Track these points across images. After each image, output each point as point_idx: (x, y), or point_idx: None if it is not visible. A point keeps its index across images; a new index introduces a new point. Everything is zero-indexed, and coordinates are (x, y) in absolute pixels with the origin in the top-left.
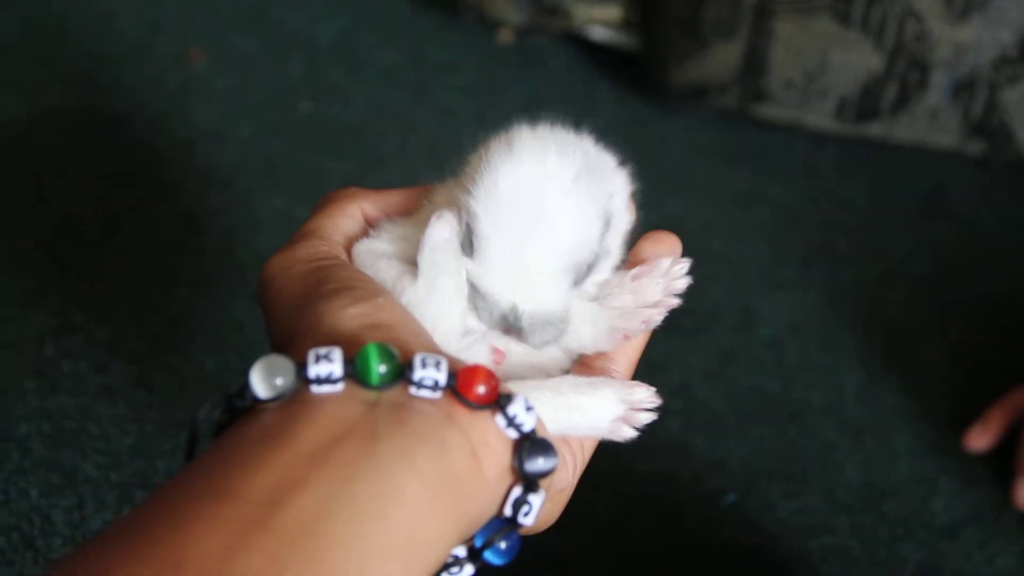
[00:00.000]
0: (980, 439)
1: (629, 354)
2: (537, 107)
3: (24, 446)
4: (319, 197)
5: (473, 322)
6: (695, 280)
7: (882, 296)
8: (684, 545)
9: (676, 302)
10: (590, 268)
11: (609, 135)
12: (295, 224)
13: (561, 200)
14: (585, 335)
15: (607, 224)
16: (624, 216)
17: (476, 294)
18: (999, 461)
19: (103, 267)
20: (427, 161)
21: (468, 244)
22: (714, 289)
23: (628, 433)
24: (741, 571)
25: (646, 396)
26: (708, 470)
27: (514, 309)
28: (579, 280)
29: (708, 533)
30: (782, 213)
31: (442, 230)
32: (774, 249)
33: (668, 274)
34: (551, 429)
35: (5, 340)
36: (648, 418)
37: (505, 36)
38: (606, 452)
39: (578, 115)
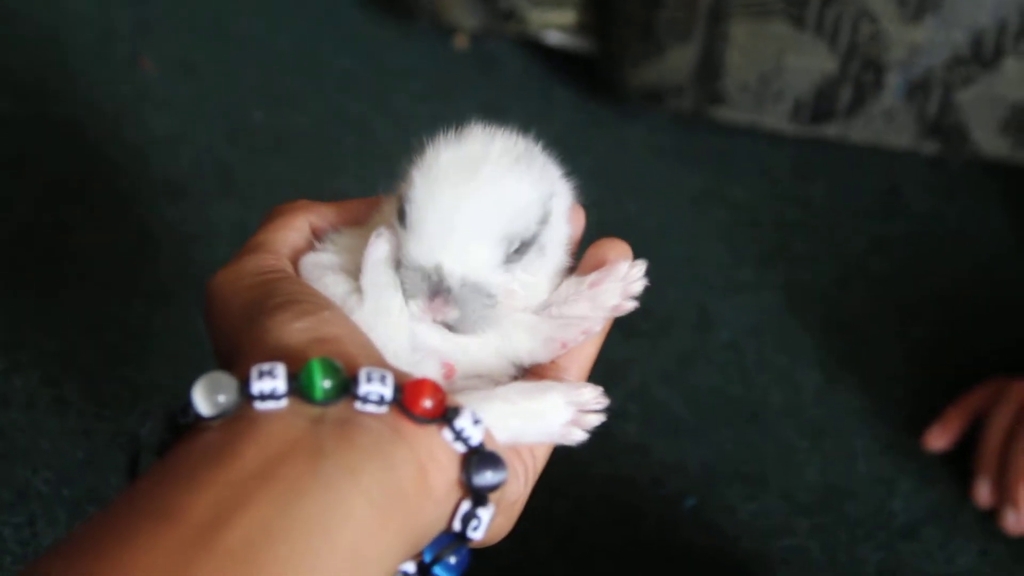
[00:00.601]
0: (939, 439)
1: (581, 362)
2: (494, 111)
3: None
4: (275, 205)
5: (421, 335)
6: (653, 282)
7: (840, 296)
8: (644, 549)
9: (633, 306)
10: (523, 247)
11: (566, 138)
12: (249, 233)
13: (499, 171)
14: (522, 345)
15: (545, 217)
16: (563, 221)
17: (403, 268)
18: (958, 460)
19: (55, 278)
20: (384, 168)
21: (399, 217)
22: (672, 291)
23: (579, 436)
24: (701, 574)
25: (593, 397)
26: (667, 473)
27: (439, 268)
28: (510, 256)
29: (668, 536)
30: (739, 214)
31: (380, 248)
32: (732, 250)
33: (625, 278)
34: (503, 437)
35: None
36: (597, 420)
37: (461, 41)
38: (563, 457)
39: (535, 119)
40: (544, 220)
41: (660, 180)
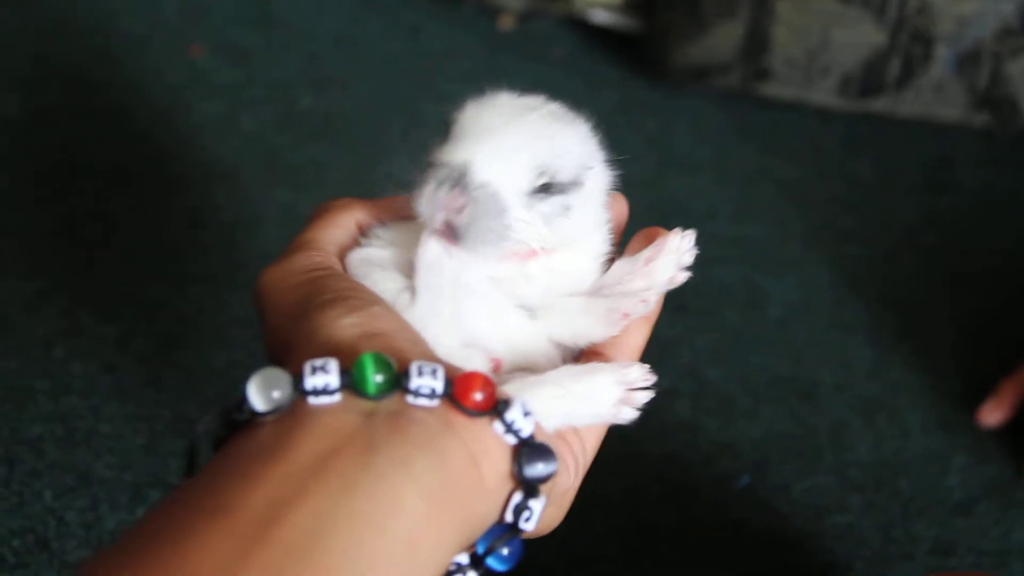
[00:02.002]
0: (993, 414)
1: (631, 349)
2: (541, 92)
3: (37, 448)
4: (322, 189)
5: (471, 332)
6: (701, 261)
7: (890, 271)
8: (697, 528)
9: (686, 276)
10: (549, 188)
11: (613, 118)
12: (298, 217)
13: (545, 116)
14: (580, 324)
15: (577, 180)
16: (598, 201)
17: (432, 167)
18: (1012, 435)
19: (108, 266)
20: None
21: (442, 140)
22: (721, 270)
23: (629, 415)
24: (755, 552)
25: (640, 374)
26: (719, 452)
27: (465, 165)
28: (534, 191)
29: (721, 515)
30: (788, 191)
31: (435, 247)
32: (781, 227)
33: (678, 250)
34: (555, 422)
35: (13, 343)
36: (646, 397)
37: (506, 22)
38: (616, 437)
39: (582, 98)
40: (575, 182)
41: (707, 159)
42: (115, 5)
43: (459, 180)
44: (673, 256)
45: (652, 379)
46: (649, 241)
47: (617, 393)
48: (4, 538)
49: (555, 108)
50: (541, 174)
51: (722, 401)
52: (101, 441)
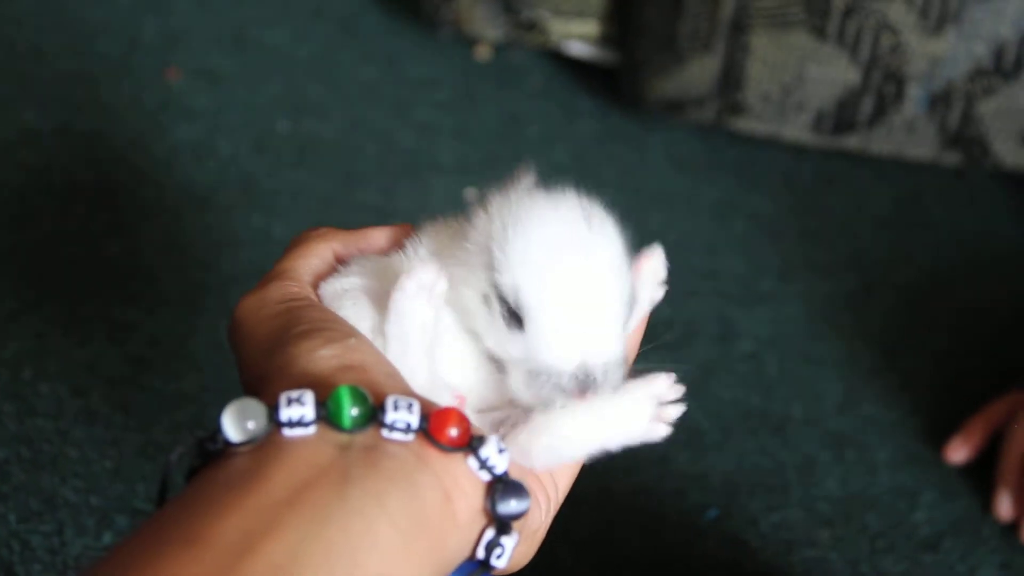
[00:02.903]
0: (960, 450)
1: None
2: (516, 123)
3: (2, 471)
4: (297, 214)
5: (440, 374)
6: (674, 293)
7: (862, 307)
8: (666, 560)
9: (664, 290)
10: (630, 308)
11: (588, 149)
12: (273, 242)
13: (594, 251)
14: None
15: (624, 263)
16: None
17: (528, 371)
18: (980, 472)
19: (81, 287)
20: (406, 177)
21: (510, 319)
22: (694, 302)
23: (662, 431)
24: None
25: (667, 385)
26: (690, 485)
27: (583, 367)
28: (626, 319)
29: (690, 547)
30: (761, 225)
31: (407, 295)
32: (753, 261)
33: (653, 269)
34: (591, 447)
35: None
36: (678, 411)
37: (483, 52)
38: (586, 469)
39: (557, 130)
40: (626, 267)
41: (681, 191)
42: (93, 28)
43: (585, 384)
44: (650, 276)
45: (681, 390)
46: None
47: (649, 411)
48: None
49: (581, 217)
50: (627, 310)
51: (692, 434)
52: (68, 465)
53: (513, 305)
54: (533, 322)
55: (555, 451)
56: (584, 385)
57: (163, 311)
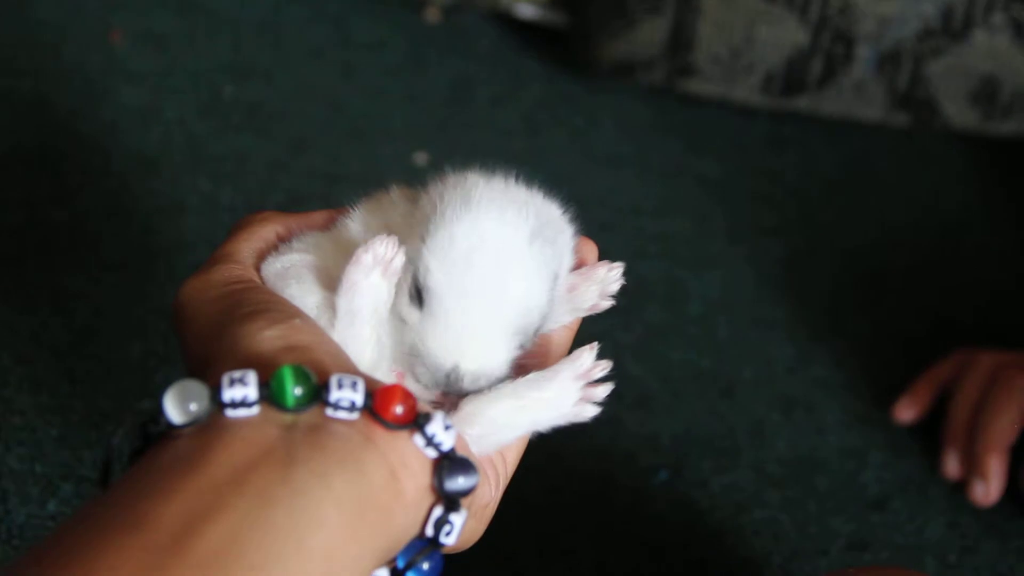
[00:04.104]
0: (907, 411)
1: (558, 353)
2: (465, 86)
3: None
4: (243, 179)
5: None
6: (625, 256)
7: (811, 269)
8: (617, 522)
9: (609, 304)
10: (537, 331)
11: (537, 113)
12: (219, 208)
13: (517, 267)
14: None
15: (555, 279)
16: (568, 263)
17: (415, 353)
18: (927, 432)
19: (25, 255)
20: (354, 142)
21: (415, 295)
22: (643, 265)
23: (591, 412)
24: (674, 546)
25: (591, 363)
26: (640, 447)
27: (456, 370)
28: (525, 342)
29: (641, 510)
30: (711, 188)
31: (361, 269)
32: (703, 224)
33: (603, 280)
34: (520, 432)
35: None
36: (605, 390)
37: (432, 15)
38: (536, 435)
39: (506, 93)
40: (554, 283)
41: (630, 154)
42: None
43: (451, 386)
44: (597, 286)
45: (607, 366)
46: (577, 256)
47: (575, 392)
48: None
49: (515, 229)
50: (524, 335)
51: (642, 396)
52: (12, 432)
53: (420, 284)
54: (428, 309)
55: (487, 438)
56: (450, 388)
57: (108, 278)
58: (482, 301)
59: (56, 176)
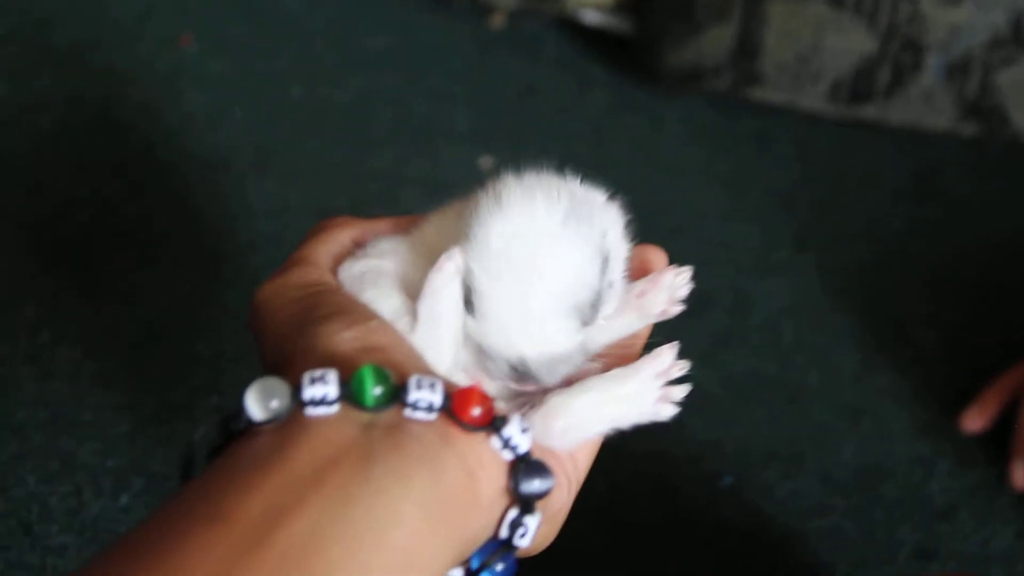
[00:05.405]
0: (976, 420)
1: (632, 357)
2: (530, 92)
3: (21, 433)
4: (310, 181)
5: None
6: (691, 263)
7: (877, 278)
8: (680, 526)
9: (680, 309)
10: (595, 306)
11: (602, 120)
12: (287, 210)
13: (552, 246)
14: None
15: (605, 261)
16: (622, 248)
17: (482, 353)
18: (995, 442)
19: (97, 253)
20: (420, 145)
21: (468, 302)
22: (708, 272)
23: (670, 411)
24: (737, 552)
25: (671, 361)
26: (704, 452)
27: (521, 359)
28: (587, 319)
29: (704, 514)
30: (776, 196)
31: (444, 277)
32: (767, 232)
33: (671, 286)
34: (603, 427)
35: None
36: (684, 391)
37: (497, 21)
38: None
39: (571, 100)
40: (605, 261)
41: (696, 161)
42: None
43: (523, 376)
44: (666, 292)
45: (686, 366)
46: (642, 261)
47: (655, 390)
48: None
49: (548, 211)
50: (582, 309)
51: (707, 402)
52: (84, 428)
53: (469, 289)
54: (479, 311)
55: (570, 432)
56: (521, 377)
57: (176, 277)
58: (524, 287)
59: (126, 176)
